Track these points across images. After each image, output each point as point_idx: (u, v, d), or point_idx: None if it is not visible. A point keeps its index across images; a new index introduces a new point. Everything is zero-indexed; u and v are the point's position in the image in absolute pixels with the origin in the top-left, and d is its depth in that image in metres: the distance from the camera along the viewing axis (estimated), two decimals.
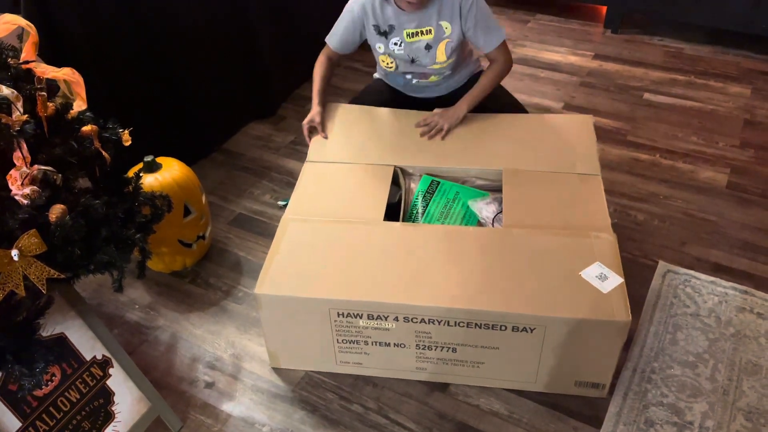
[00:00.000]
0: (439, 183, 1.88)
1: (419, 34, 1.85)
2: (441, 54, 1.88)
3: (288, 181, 2.44)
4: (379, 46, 1.91)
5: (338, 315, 1.56)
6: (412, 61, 1.91)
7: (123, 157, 1.59)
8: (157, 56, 2.27)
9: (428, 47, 1.87)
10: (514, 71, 3.08)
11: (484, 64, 2.08)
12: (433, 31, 1.84)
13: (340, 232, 1.69)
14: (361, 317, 1.55)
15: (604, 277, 1.54)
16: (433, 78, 2.00)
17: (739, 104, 2.79)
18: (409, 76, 2.00)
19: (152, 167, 1.88)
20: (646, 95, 2.87)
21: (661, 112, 2.77)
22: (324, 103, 2.05)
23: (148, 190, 1.72)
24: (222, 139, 2.69)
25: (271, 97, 2.87)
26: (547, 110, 2.80)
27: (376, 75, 2.21)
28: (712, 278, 1.96)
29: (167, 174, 1.89)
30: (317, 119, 2.01)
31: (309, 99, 3.12)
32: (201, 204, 1.99)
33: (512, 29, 3.53)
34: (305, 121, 2.02)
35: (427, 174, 1.90)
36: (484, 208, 1.81)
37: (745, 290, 1.91)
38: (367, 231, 1.69)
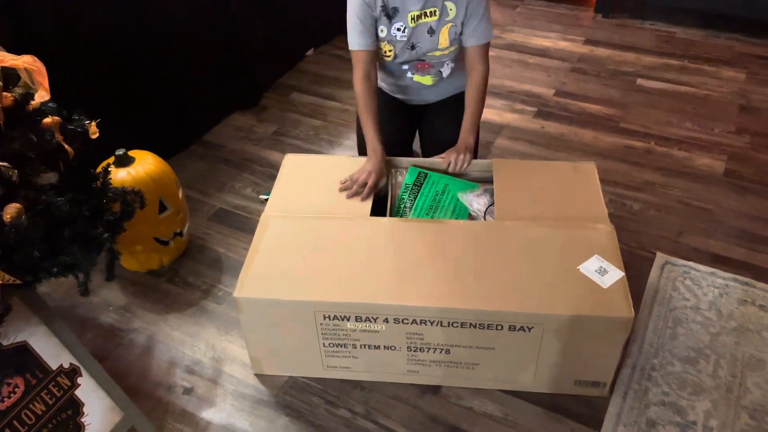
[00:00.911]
0: (427, 175, 1.79)
1: (423, 17, 1.72)
2: (444, 39, 1.75)
3: (270, 174, 2.34)
4: (381, 29, 1.75)
5: (324, 318, 1.47)
6: (413, 47, 1.77)
7: (92, 150, 1.49)
8: (133, 44, 2.15)
9: (431, 31, 1.75)
10: (503, 57, 2.99)
11: None
12: (437, 13, 1.71)
13: (324, 228, 1.60)
14: (348, 319, 1.46)
15: (604, 271, 1.46)
16: (428, 78, 1.87)
17: (734, 89, 2.72)
18: (405, 67, 1.87)
19: (124, 161, 1.77)
20: (639, 81, 2.80)
21: (654, 98, 2.69)
22: (384, 152, 1.76)
23: (119, 186, 1.62)
24: (202, 130, 2.58)
25: (253, 87, 2.77)
26: (538, 97, 2.72)
27: None
28: (711, 269, 1.89)
29: (140, 168, 1.79)
30: (374, 175, 1.70)
31: (293, 88, 3.05)
32: (177, 199, 1.89)
33: (501, 14, 3.43)
34: (361, 178, 1.70)
35: (414, 165, 1.81)
36: (475, 201, 1.73)
37: (746, 282, 1.85)
38: (353, 227, 1.60)
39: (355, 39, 1.74)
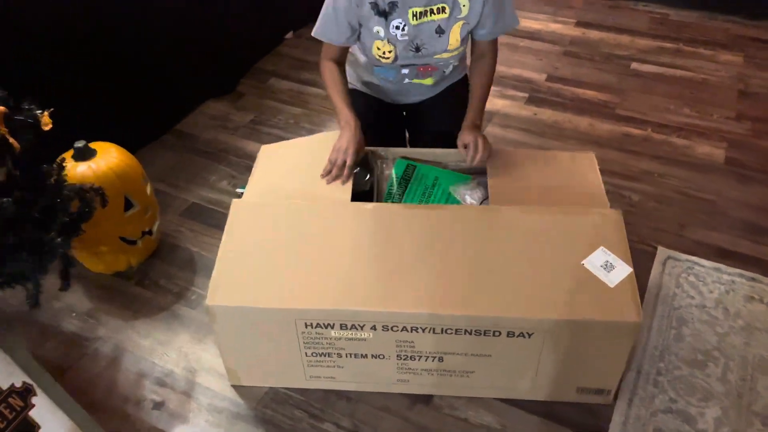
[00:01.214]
0: (415, 167, 1.66)
1: (429, 14, 1.47)
2: (455, 39, 1.51)
3: (247, 165, 2.18)
4: (377, 30, 1.48)
5: (306, 326, 1.34)
6: (417, 49, 1.52)
7: (48, 144, 1.34)
8: (95, 25, 1.98)
9: (440, 31, 1.49)
10: None
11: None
12: (447, 9, 1.46)
13: (302, 219, 1.46)
14: (332, 327, 1.34)
15: (611, 267, 1.34)
16: (430, 80, 1.67)
17: (732, 73, 2.62)
18: (406, 71, 1.62)
19: (84, 154, 1.62)
20: (634, 65, 2.68)
21: (651, 83, 2.58)
22: (359, 121, 1.55)
23: (77, 182, 1.48)
24: (174, 119, 2.42)
25: (229, 72, 2.61)
26: (529, 82, 2.60)
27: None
28: (716, 265, 1.79)
29: (102, 162, 1.63)
30: (351, 150, 1.51)
31: (271, 73, 2.90)
32: (145, 195, 1.74)
33: None
34: (339, 159, 1.52)
35: (402, 157, 1.68)
36: (468, 194, 1.60)
37: (753, 277, 1.75)
38: (335, 216, 1.46)
39: (323, 29, 1.54)
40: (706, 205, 2.00)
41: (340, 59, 1.62)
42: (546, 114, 2.43)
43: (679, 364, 1.54)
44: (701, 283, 1.73)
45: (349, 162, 1.51)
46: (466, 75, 1.77)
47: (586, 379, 1.42)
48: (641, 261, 1.79)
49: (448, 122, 1.66)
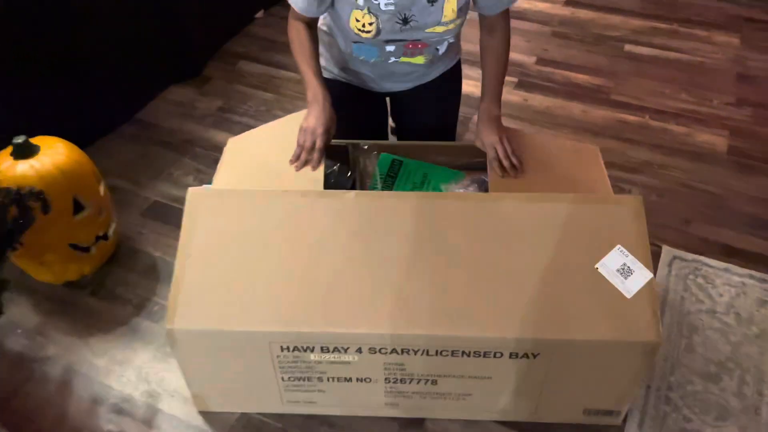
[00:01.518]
0: (402, 163, 1.49)
1: None
2: (450, 9, 1.28)
3: (215, 158, 1.97)
4: None
5: (282, 349, 1.17)
6: (405, 21, 1.28)
7: None
8: (39, 1, 1.76)
9: (431, 0, 1.26)
10: (476, 20, 2.68)
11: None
12: None
13: (271, 216, 1.25)
14: (312, 350, 1.17)
15: (628, 271, 1.18)
16: (419, 59, 1.42)
17: (729, 55, 2.49)
18: (390, 48, 1.37)
19: (25, 151, 1.42)
20: (627, 46, 2.54)
21: (645, 66, 2.44)
22: (329, 96, 1.34)
23: (14, 185, 1.28)
24: (133, 107, 2.21)
25: (193, 55, 2.40)
26: (518, 65, 2.43)
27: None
28: (725, 264, 1.66)
29: (47, 160, 1.44)
30: (320, 129, 1.31)
31: (240, 55, 2.69)
32: (98, 195, 1.55)
33: None
34: (308, 142, 1.31)
35: (386, 152, 1.51)
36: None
37: (763, 278, 1.63)
38: (310, 212, 1.25)
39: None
40: (710, 198, 1.88)
41: (312, 21, 1.38)
42: (537, 100, 2.27)
43: (692, 378, 1.41)
44: (710, 285, 1.61)
45: (319, 144, 1.30)
46: (459, 60, 1.59)
47: (595, 401, 1.28)
48: None
49: (437, 114, 1.49)
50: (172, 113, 2.21)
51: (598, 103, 2.24)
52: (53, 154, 1.46)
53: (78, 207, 1.49)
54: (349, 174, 1.49)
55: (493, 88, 1.41)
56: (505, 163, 1.34)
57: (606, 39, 2.59)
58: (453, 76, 1.57)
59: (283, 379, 1.25)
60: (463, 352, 1.17)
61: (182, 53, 2.33)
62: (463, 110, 1.71)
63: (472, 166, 1.51)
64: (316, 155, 1.31)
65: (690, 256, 1.68)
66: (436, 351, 1.17)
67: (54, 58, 1.85)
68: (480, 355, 1.17)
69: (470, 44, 1.55)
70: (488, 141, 1.36)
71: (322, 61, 1.49)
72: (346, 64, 1.49)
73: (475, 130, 1.40)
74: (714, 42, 2.57)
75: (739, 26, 2.67)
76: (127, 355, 1.47)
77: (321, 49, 1.49)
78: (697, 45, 2.55)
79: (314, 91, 1.33)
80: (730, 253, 1.70)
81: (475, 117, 2.15)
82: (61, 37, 1.85)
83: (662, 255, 1.68)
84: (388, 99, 1.61)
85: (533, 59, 2.48)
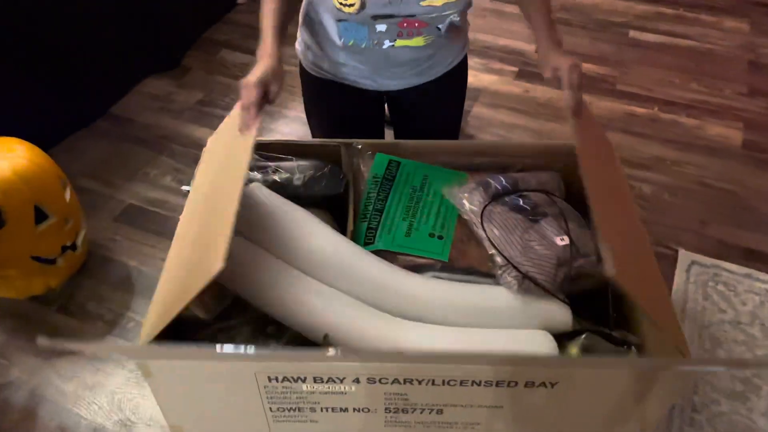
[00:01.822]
0: (399, 164, 1.36)
1: None
2: None
3: (195, 156, 1.83)
4: None
5: (269, 380, 1.04)
6: None
7: None
8: None
9: None
10: (474, 5, 2.54)
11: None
12: None
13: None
14: (304, 381, 1.04)
15: None
16: (418, 40, 1.24)
17: (739, 42, 2.37)
18: (381, 27, 1.20)
19: None
20: (632, 33, 2.41)
21: (652, 54, 2.32)
22: (280, 52, 1.10)
23: None
24: (106, 101, 2.07)
25: (171, 44, 2.25)
26: (519, 53, 2.31)
27: (301, 58, 1.37)
28: (746, 270, 1.55)
29: (5, 164, 1.29)
30: (253, 79, 1.03)
31: (222, 44, 2.54)
32: (63, 202, 1.40)
33: None
34: (248, 82, 1.03)
35: (382, 151, 1.37)
36: (466, 198, 1.30)
37: None
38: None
39: None
40: (727, 197, 1.76)
41: None
42: (538, 91, 2.14)
43: (717, 397, 1.30)
44: (732, 293, 1.50)
45: (250, 96, 1.02)
46: (466, 56, 1.43)
47: (616, 427, 1.17)
48: (662, 267, 1.53)
49: (441, 118, 1.35)
50: (148, 107, 2.07)
51: (604, 94, 2.12)
52: (12, 158, 1.31)
53: (40, 216, 1.34)
54: (341, 176, 1.36)
55: (547, 20, 1.17)
56: (579, 94, 1.05)
57: (610, 25, 2.46)
58: (459, 73, 1.41)
59: (271, 409, 1.12)
60: (473, 382, 1.04)
61: (159, 42, 2.19)
62: None
63: (474, 166, 1.38)
64: (252, 111, 1.03)
65: (708, 260, 1.57)
66: (443, 381, 1.04)
67: (17, 49, 1.69)
68: (492, 385, 1.05)
69: (470, 33, 1.41)
70: (566, 64, 1.06)
71: (311, 57, 1.34)
72: (338, 57, 1.33)
73: (540, 60, 1.15)
74: (722, 28, 2.45)
75: (748, 11, 2.55)
76: (99, 379, 1.34)
77: (310, 42, 1.34)
78: (704, 31, 2.43)
79: (266, 48, 1.10)
80: (750, 257, 1.59)
81: (474, 108, 2.04)
82: (25, 26, 1.69)
83: (679, 260, 1.57)
84: (386, 104, 1.47)
85: (534, 47, 2.33)
